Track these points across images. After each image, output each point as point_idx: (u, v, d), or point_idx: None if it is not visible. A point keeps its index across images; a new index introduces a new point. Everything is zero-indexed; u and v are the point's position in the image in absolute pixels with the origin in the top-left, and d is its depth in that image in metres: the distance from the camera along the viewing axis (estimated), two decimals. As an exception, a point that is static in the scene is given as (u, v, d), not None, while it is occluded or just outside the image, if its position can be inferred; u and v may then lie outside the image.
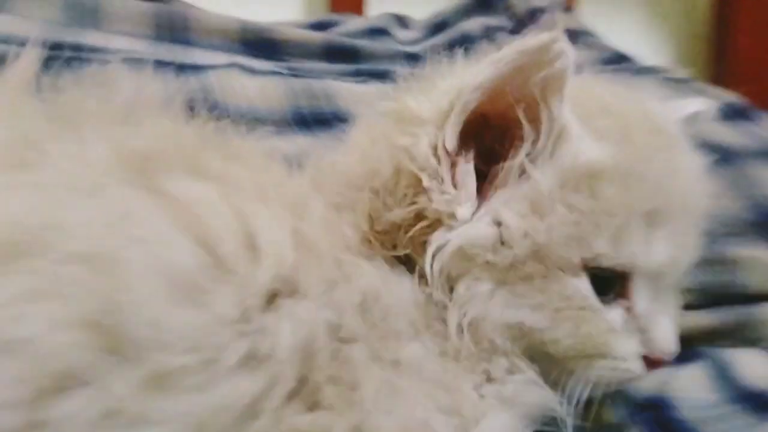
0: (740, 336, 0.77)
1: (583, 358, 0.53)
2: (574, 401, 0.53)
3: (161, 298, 0.43)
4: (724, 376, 0.67)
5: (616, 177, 0.51)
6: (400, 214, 0.51)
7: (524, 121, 0.50)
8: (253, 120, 0.83)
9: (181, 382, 0.42)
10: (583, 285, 0.51)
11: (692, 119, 0.65)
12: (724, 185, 0.83)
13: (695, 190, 0.56)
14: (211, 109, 0.61)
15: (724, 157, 0.85)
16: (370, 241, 0.52)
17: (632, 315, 0.54)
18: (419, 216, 0.52)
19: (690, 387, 0.64)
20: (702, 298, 0.78)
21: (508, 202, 0.51)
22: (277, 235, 0.48)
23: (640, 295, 0.54)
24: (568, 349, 0.52)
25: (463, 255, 0.50)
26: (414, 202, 0.51)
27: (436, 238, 0.51)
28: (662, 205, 0.53)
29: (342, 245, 0.51)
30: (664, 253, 0.53)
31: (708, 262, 0.77)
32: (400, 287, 0.51)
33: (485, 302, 0.50)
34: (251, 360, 0.44)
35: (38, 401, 0.39)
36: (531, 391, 0.52)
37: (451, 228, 0.51)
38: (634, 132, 0.54)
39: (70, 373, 0.40)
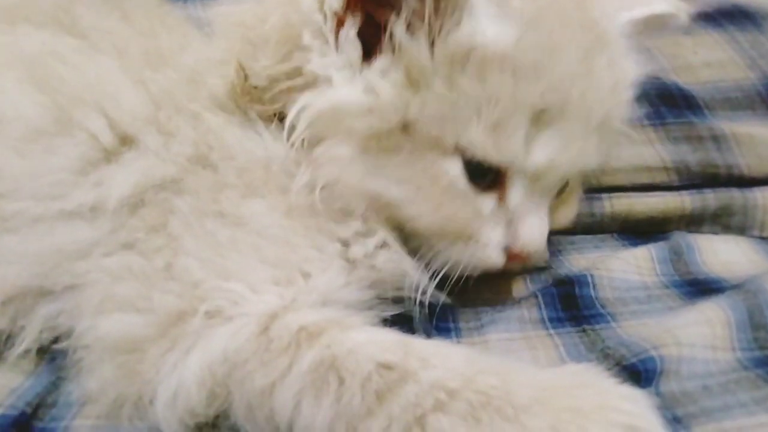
0: (723, 222, 0.70)
1: (445, 237, 0.51)
2: (433, 274, 0.52)
3: (1, 147, 0.46)
4: (678, 260, 0.62)
5: (512, 66, 0.46)
6: (275, 68, 0.50)
7: None
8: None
9: (23, 226, 0.47)
10: (453, 167, 0.49)
11: (654, 21, 0.57)
12: (738, 50, 0.72)
13: (605, 99, 0.51)
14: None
15: (744, 18, 0.73)
16: (241, 95, 0.51)
17: (504, 206, 0.51)
18: (294, 73, 0.50)
19: (623, 267, 0.59)
20: (684, 178, 0.70)
21: (387, 71, 0.48)
22: (122, 88, 0.49)
23: (515, 190, 0.51)
24: (428, 226, 0.50)
25: (330, 118, 0.48)
26: (290, 58, 0.49)
27: (305, 98, 0.49)
28: (556, 105, 0.48)
29: (204, 98, 0.51)
30: (544, 156, 0.49)
31: (696, 137, 0.69)
32: (255, 143, 0.50)
33: (343, 167, 0.49)
34: (88, 209, 0.47)
35: None
36: (381, 255, 0.50)
37: (323, 90, 0.49)
38: (550, 20, 0.48)
39: None
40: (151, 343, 0.43)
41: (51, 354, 0.50)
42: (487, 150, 0.48)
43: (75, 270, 0.46)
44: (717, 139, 0.70)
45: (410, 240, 0.52)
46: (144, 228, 0.47)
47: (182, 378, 0.41)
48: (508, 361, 0.42)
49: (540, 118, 0.48)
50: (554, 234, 0.60)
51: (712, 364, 0.44)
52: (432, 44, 0.47)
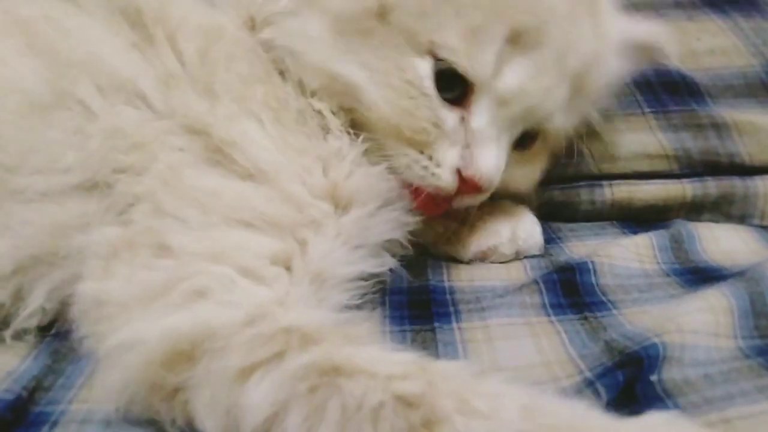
0: (724, 210, 0.69)
1: (399, 138, 0.51)
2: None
3: (3, 121, 0.46)
4: (679, 248, 0.61)
5: None
6: None
7: None
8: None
9: (33, 198, 0.46)
10: (422, 66, 0.50)
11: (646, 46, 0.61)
12: (741, 37, 0.72)
13: (582, 54, 0.53)
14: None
15: (748, 5, 0.73)
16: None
17: (466, 127, 0.51)
18: None
19: (623, 255, 0.59)
20: (685, 166, 0.70)
21: None
22: (115, 52, 0.48)
23: (480, 111, 0.51)
24: (384, 117, 0.50)
25: None
26: None
27: None
28: (534, 31, 0.49)
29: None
30: (514, 79, 0.50)
31: (697, 125, 0.69)
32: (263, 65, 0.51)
33: (311, 44, 0.50)
34: (88, 183, 0.47)
35: None
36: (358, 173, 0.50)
37: None
38: None
39: None
40: (132, 302, 0.41)
41: (47, 337, 0.50)
42: (460, 56, 0.48)
43: (76, 240, 0.46)
44: (718, 127, 0.69)
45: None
46: (131, 196, 0.46)
47: (148, 328, 0.38)
48: (570, 403, 0.35)
49: (517, 41, 0.49)
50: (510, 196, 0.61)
51: (714, 351, 0.44)
52: None
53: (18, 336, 0.49)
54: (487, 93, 0.50)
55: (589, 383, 0.43)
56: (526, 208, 0.65)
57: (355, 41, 0.50)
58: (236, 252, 0.42)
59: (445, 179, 0.51)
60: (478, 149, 0.51)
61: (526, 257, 0.63)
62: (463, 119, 0.51)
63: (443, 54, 0.49)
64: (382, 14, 0.49)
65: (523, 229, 0.63)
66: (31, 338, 0.49)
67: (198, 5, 0.53)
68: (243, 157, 0.46)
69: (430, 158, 0.51)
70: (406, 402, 0.32)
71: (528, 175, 0.60)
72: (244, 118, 0.47)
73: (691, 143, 0.70)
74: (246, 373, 0.35)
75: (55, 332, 0.50)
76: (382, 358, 0.36)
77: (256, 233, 0.44)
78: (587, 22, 0.53)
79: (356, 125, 0.52)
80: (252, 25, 0.53)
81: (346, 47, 0.50)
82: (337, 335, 0.37)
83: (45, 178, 0.46)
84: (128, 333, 0.38)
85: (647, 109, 0.71)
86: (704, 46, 0.73)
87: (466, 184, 0.52)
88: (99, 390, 0.40)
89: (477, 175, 0.51)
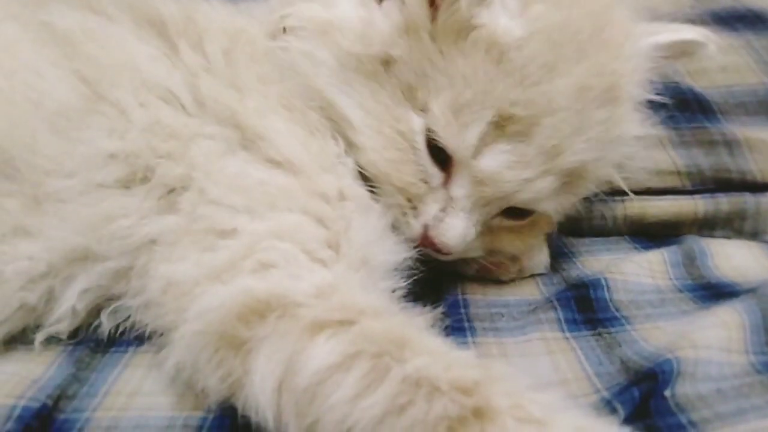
0: (735, 226, 0.70)
1: (385, 185, 0.52)
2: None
3: (38, 127, 0.47)
4: (691, 264, 0.62)
5: (502, 60, 0.47)
6: None
7: None
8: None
9: (71, 198, 0.48)
10: (417, 122, 0.50)
11: (681, 48, 0.56)
12: (753, 55, 0.73)
13: (587, 150, 0.51)
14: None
15: (760, 23, 0.74)
16: None
17: (446, 192, 0.52)
18: None
19: (636, 271, 0.60)
20: (696, 182, 0.70)
21: (390, 13, 0.50)
22: (146, 59, 0.50)
23: (459, 182, 0.51)
24: (371, 163, 0.51)
25: (322, 27, 0.51)
26: None
27: (309, 5, 0.52)
28: (525, 122, 0.48)
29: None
30: (492, 164, 0.49)
31: (708, 142, 0.70)
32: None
33: (316, 67, 0.51)
34: (126, 181, 0.49)
35: None
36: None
37: (327, 3, 0.52)
38: (564, 43, 0.48)
39: None
40: (204, 280, 0.43)
41: (70, 346, 0.50)
42: (440, 127, 0.49)
43: (124, 235, 0.47)
44: (729, 144, 0.70)
45: None
46: (171, 179, 0.48)
47: (226, 290, 0.41)
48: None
49: (504, 127, 0.48)
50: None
51: (727, 366, 0.44)
52: (433, 4, 0.49)
53: (48, 342, 0.50)
54: (466, 168, 0.50)
55: (607, 402, 0.44)
56: None
57: (358, 79, 0.51)
58: (295, 232, 0.45)
59: (414, 230, 0.52)
60: (449, 217, 0.51)
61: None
62: (446, 183, 0.52)
63: (428, 120, 0.49)
64: (387, 63, 0.50)
65: None
66: (58, 346, 0.50)
67: (222, 12, 0.55)
68: (276, 150, 0.48)
69: (414, 209, 0.52)
70: (462, 388, 0.34)
71: (516, 241, 0.59)
72: (270, 113, 0.50)
73: (703, 160, 0.70)
74: (317, 327, 0.38)
75: (79, 340, 0.51)
76: (445, 346, 0.38)
77: (305, 218, 0.46)
78: (599, 112, 0.50)
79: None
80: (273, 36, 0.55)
81: (347, 81, 0.51)
82: (403, 317, 0.41)
83: (82, 178, 0.48)
84: (208, 299, 0.41)
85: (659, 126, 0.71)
86: (716, 63, 0.73)
87: (428, 241, 0.52)
88: (176, 341, 0.42)
89: (438, 239, 0.52)
